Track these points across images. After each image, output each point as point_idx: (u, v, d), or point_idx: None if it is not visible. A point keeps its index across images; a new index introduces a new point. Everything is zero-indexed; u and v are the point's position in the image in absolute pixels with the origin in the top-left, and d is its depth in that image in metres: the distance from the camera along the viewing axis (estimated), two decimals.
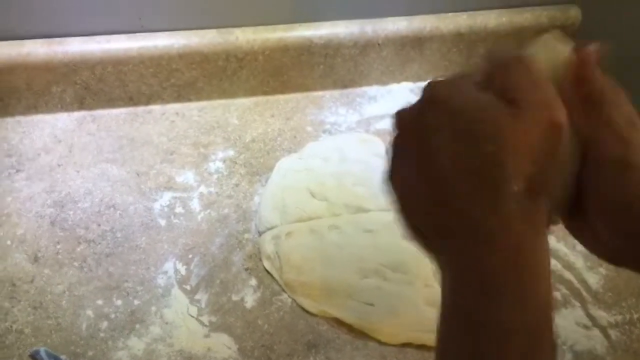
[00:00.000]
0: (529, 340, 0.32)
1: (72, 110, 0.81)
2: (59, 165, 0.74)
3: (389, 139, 0.37)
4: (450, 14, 0.85)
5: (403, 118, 0.36)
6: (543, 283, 0.32)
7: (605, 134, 0.35)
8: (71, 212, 0.70)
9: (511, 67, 0.34)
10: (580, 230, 0.38)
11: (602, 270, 0.68)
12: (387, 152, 0.37)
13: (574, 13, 0.89)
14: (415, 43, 0.86)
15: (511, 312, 0.32)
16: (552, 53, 0.37)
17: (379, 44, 0.84)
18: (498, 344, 0.32)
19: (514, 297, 0.32)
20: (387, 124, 0.82)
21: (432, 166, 0.34)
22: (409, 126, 0.36)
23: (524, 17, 0.87)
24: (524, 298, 0.32)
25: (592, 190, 0.35)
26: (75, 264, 0.65)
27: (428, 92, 0.35)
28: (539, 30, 0.88)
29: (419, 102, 0.36)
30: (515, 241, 0.32)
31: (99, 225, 0.69)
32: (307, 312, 0.63)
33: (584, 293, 0.66)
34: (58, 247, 0.67)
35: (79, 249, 0.66)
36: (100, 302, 0.62)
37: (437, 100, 0.35)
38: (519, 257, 0.32)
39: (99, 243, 0.67)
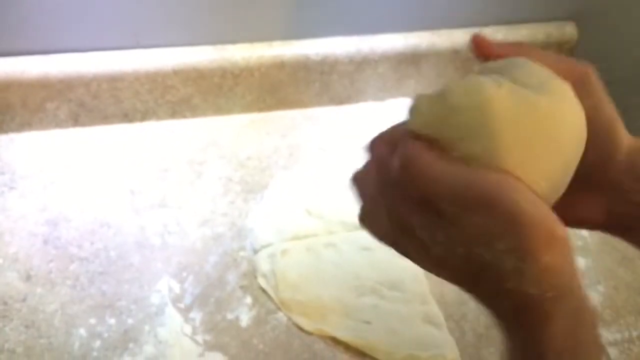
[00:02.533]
0: None
1: (67, 127, 0.80)
2: (52, 183, 0.74)
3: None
4: (446, 30, 0.86)
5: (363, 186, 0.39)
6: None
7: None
8: (64, 231, 0.69)
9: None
10: (569, 205, 0.37)
11: (601, 288, 0.67)
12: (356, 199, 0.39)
13: (570, 30, 0.89)
14: (412, 59, 0.86)
15: None
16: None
17: (375, 61, 0.84)
18: None
19: None
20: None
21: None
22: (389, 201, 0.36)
23: (520, 33, 0.87)
24: None
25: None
26: (68, 282, 0.64)
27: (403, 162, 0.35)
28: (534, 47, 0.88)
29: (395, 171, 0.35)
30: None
31: (92, 243, 0.68)
32: (303, 330, 0.62)
33: None
34: (51, 265, 0.66)
35: (71, 268, 0.66)
36: (93, 321, 0.62)
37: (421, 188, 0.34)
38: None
39: (92, 261, 0.66)
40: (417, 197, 0.33)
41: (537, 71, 0.36)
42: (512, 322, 0.33)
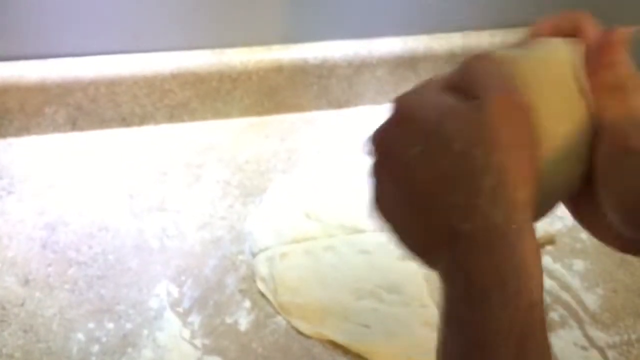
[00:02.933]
0: (518, 340, 0.31)
1: (65, 131, 0.80)
2: (50, 187, 0.74)
3: (368, 164, 0.37)
4: (443, 34, 0.86)
5: (376, 140, 0.36)
6: (529, 281, 0.31)
7: (627, 123, 0.33)
8: (62, 235, 0.69)
9: (472, 65, 0.34)
10: (589, 219, 0.37)
11: (599, 290, 0.67)
12: (368, 177, 0.37)
13: None
14: (410, 63, 0.86)
15: (497, 312, 0.31)
16: (552, 49, 0.37)
17: (373, 64, 0.85)
18: (485, 345, 0.31)
19: (498, 298, 0.31)
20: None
21: (410, 181, 0.33)
22: (383, 147, 0.36)
23: (517, 36, 0.87)
24: (508, 297, 0.31)
25: (608, 180, 0.34)
26: (67, 286, 0.64)
27: (395, 107, 0.35)
28: None
29: (388, 120, 0.35)
30: (495, 239, 0.31)
31: (91, 247, 0.68)
32: (302, 334, 0.62)
33: (582, 314, 0.65)
34: (49, 269, 0.66)
35: (70, 272, 0.66)
36: (91, 325, 0.61)
37: (404, 114, 0.34)
38: (500, 256, 0.31)
39: (91, 265, 0.66)
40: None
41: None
42: (471, 248, 0.32)
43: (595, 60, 0.35)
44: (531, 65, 0.35)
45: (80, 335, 0.60)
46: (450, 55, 0.86)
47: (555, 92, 0.35)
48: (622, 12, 0.89)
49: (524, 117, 0.32)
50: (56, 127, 0.80)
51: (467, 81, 0.34)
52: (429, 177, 0.32)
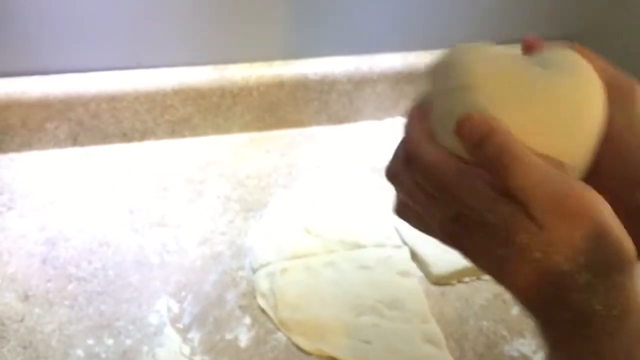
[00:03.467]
0: None
1: (66, 146, 0.81)
2: (51, 203, 0.74)
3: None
4: (443, 50, 0.86)
5: (396, 178, 0.37)
6: None
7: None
8: (63, 250, 0.69)
9: (494, 152, 0.33)
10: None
11: None
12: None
13: None
14: (410, 79, 0.86)
15: None
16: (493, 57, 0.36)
17: (373, 80, 0.85)
18: None
19: None
20: (383, 160, 0.82)
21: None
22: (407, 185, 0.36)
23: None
24: None
25: (610, 168, 0.36)
26: (66, 302, 0.64)
27: (414, 158, 0.36)
28: None
29: (406, 163, 0.36)
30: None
31: (91, 263, 0.68)
32: (302, 350, 0.62)
33: None
34: (49, 285, 0.65)
35: (70, 287, 0.65)
36: (91, 341, 0.61)
37: (430, 175, 0.35)
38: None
39: (91, 281, 0.66)
40: (504, 188, 0.33)
41: (568, 56, 0.36)
42: (569, 334, 0.33)
43: None
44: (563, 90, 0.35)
45: (80, 352, 0.60)
46: None
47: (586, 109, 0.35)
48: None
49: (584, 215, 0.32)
50: (57, 143, 0.80)
51: (502, 178, 0.33)
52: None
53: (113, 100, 0.78)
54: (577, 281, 0.32)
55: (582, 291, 0.32)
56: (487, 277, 0.40)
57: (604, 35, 0.91)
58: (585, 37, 0.89)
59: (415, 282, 0.67)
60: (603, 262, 0.31)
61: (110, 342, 0.61)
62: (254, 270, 0.68)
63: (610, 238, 0.32)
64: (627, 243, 0.32)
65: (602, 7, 0.87)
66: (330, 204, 0.74)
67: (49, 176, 0.77)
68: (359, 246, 0.69)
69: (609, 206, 0.32)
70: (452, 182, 0.34)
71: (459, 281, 0.68)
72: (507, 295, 0.41)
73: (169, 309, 0.64)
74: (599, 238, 0.31)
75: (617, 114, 0.36)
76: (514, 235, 0.32)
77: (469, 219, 0.34)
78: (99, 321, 0.63)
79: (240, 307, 0.65)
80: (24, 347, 0.60)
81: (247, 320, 0.64)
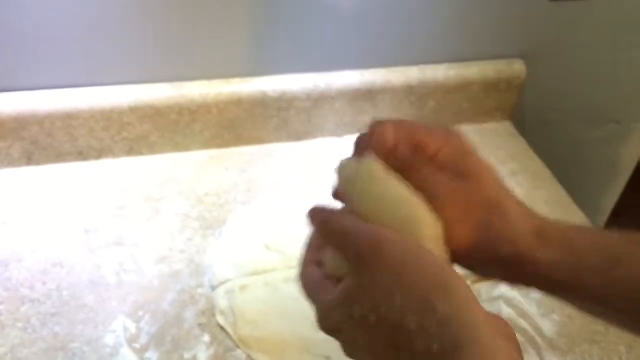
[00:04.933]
0: None
1: (19, 165, 0.79)
2: (3, 223, 0.72)
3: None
4: (400, 67, 0.88)
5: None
6: None
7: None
8: (15, 271, 0.67)
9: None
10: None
11: (555, 316, 0.68)
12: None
13: (518, 67, 0.92)
14: (368, 95, 0.87)
15: None
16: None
17: (332, 97, 0.86)
18: None
19: None
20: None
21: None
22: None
23: (471, 70, 0.90)
24: None
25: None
26: (19, 324, 0.62)
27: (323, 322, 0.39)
28: (485, 83, 0.91)
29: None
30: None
31: (44, 283, 0.66)
32: None
33: (539, 340, 0.66)
34: (0, 307, 0.64)
35: (22, 309, 0.64)
36: None
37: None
38: None
39: (44, 302, 0.64)
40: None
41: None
42: None
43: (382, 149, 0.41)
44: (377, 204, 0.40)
45: None
46: (407, 87, 0.88)
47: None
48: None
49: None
50: (11, 162, 0.79)
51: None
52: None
53: (68, 118, 0.77)
54: (410, 328, 0.32)
55: (418, 336, 0.32)
56: None
57: (555, 52, 0.94)
58: (537, 54, 0.92)
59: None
60: (421, 297, 0.32)
61: None
62: (213, 288, 0.67)
63: (416, 266, 0.34)
64: (444, 272, 0.34)
65: (552, 26, 0.90)
66: (289, 220, 0.74)
67: (1, 196, 0.75)
68: None
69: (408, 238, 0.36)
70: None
71: None
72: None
73: (126, 329, 0.63)
74: (404, 271, 0.34)
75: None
76: (352, 309, 0.35)
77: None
78: (53, 343, 0.61)
79: (199, 325, 0.64)
80: None
81: (206, 338, 0.63)
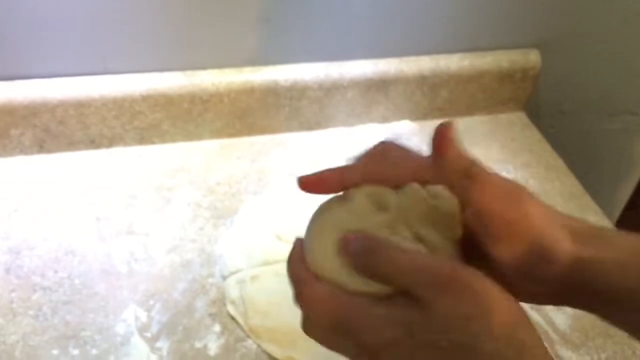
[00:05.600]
0: None
1: (32, 153, 0.79)
2: (15, 211, 0.72)
3: None
4: (413, 57, 0.87)
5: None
6: None
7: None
8: (27, 259, 0.67)
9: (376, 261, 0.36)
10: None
11: (569, 310, 0.68)
12: None
13: (534, 57, 0.91)
14: (380, 85, 0.86)
15: None
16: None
17: (344, 87, 0.85)
18: None
19: None
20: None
21: None
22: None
23: (485, 60, 0.89)
24: None
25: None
26: (30, 312, 0.63)
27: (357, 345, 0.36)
28: (500, 73, 0.90)
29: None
30: None
31: (56, 272, 0.66)
32: (272, 358, 0.61)
33: (552, 334, 0.65)
34: (12, 295, 0.64)
35: (34, 297, 0.64)
36: (55, 352, 0.60)
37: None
38: None
39: (56, 290, 0.65)
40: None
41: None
42: None
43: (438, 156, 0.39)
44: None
45: None
46: (420, 78, 0.87)
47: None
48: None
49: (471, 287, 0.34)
50: (23, 150, 0.79)
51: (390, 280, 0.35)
52: None
53: (80, 106, 0.77)
54: (485, 352, 0.32)
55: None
56: None
57: (570, 42, 0.92)
58: (553, 44, 0.91)
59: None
60: (494, 324, 0.32)
61: (75, 352, 0.60)
62: (224, 278, 0.67)
63: (490, 298, 0.33)
64: (511, 302, 0.34)
65: (568, 16, 0.89)
66: (300, 210, 0.74)
67: (13, 184, 0.76)
68: None
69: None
70: (346, 315, 0.36)
71: None
72: None
73: (137, 318, 0.63)
74: (483, 301, 0.33)
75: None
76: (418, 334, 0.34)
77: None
78: (64, 331, 0.61)
79: (210, 314, 0.64)
80: None
81: (217, 328, 0.63)
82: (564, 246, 0.38)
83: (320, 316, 0.37)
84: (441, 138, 0.39)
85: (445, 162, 0.39)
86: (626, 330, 0.41)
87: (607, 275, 0.38)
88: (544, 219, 0.38)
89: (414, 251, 0.37)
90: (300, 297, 0.39)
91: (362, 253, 0.37)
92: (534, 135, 0.92)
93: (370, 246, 0.37)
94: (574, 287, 0.38)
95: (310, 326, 0.39)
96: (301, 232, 0.72)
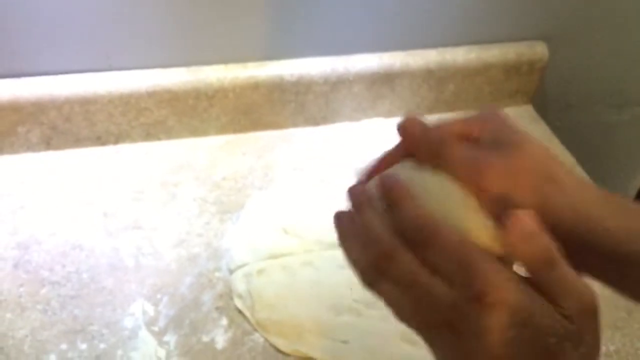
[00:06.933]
0: None
1: (38, 150, 0.79)
2: (22, 207, 0.73)
3: None
4: (419, 50, 0.86)
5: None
6: None
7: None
8: (35, 254, 0.67)
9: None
10: None
11: None
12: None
13: (540, 49, 0.90)
14: (386, 79, 0.86)
15: None
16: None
17: (350, 81, 0.85)
18: None
19: None
20: (360, 161, 0.82)
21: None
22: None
23: (492, 53, 0.88)
24: None
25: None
26: (39, 307, 0.63)
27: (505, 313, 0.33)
28: (506, 66, 0.89)
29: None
30: None
31: (64, 266, 0.67)
32: (280, 351, 0.61)
33: None
34: (21, 290, 0.64)
35: (42, 292, 0.64)
36: (64, 346, 0.60)
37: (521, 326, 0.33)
38: None
39: (64, 285, 0.65)
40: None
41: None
42: None
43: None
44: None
45: (53, 357, 0.59)
46: (427, 71, 0.87)
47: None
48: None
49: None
50: (30, 147, 0.79)
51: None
52: None
53: (86, 103, 0.77)
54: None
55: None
56: None
57: (578, 34, 0.92)
58: (560, 36, 0.90)
59: None
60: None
61: (83, 346, 0.60)
62: (231, 272, 0.67)
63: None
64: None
65: (575, 8, 0.88)
66: (306, 204, 0.74)
67: (21, 180, 0.76)
68: (336, 246, 0.68)
69: None
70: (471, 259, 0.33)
71: None
72: None
73: (144, 312, 0.63)
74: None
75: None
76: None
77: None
78: (73, 326, 0.62)
79: (217, 308, 0.64)
80: None
81: (224, 321, 0.63)
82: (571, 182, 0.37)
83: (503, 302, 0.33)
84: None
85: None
86: (632, 298, 0.40)
87: (613, 238, 0.37)
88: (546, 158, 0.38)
89: None
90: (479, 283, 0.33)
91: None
92: (542, 128, 0.92)
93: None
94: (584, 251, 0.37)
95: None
96: (307, 226, 0.72)
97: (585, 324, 0.33)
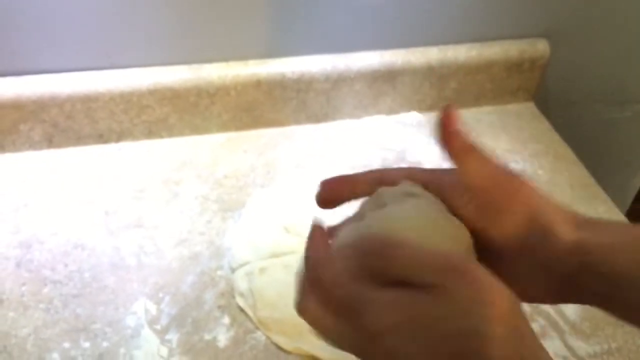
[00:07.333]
0: None
1: (41, 148, 0.79)
2: (25, 206, 0.73)
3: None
4: (421, 48, 0.86)
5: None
6: None
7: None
8: (37, 253, 0.68)
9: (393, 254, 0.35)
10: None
11: None
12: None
13: (542, 47, 0.90)
14: (387, 77, 0.86)
15: None
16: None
17: (351, 78, 0.85)
18: None
19: None
20: (361, 159, 0.82)
21: None
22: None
23: (494, 50, 0.88)
24: None
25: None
26: (41, 306, 0.63)
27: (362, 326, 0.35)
28: (508, 63, 0.89)
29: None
30: None
31: (66, 265, 0.67)
32: (281, 349, 0.61)
33: (562, 324, 0.65)
34: (23, 289, 0.64)
35: (45, 291, 0.64)
36: (67, 345, 0.60)
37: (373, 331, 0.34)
38: None
39: (66, 284, 0.65)
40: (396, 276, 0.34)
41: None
42: None
43: (445, 132, 0.40)
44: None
45: (56, 355, 0.59)
46: (428, 69, 0.87)
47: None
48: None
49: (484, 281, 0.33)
50: (32, 145, 0.79)
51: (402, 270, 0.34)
52: None
53: (88, 101, 0.77)
54: (491, 335, 0.32)
55: (495, 345, 0.31)
56: None
57: (579, 31, 0.92)
58: (561, 34, 0.90)
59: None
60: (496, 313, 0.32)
61: (86, 345, 0.60)
62: (233, 270, 0.67)
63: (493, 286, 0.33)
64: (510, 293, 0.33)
65: (577, 5, 0.88)
66: (308, 203, 0.73)
67: (23, 178, 0.76)
68: None
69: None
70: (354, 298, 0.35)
71: None
72: None
73: (147, 311, 0.63)
74: (489, 288, 0.33)
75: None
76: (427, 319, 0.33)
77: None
78: (75, 324, 0.62)
79: (219, 307, 0.64)
80: None
81: (226, 320, 0.63)
82: (565, 228, 0.38)
83: (328, 296, 0.36)
84: (445, 130, 0.40)
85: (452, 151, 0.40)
86: (633, 324, 0.40)
87: (612, 260, 0.37)
88: (541, 199, 0.39)
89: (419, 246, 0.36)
90: (313, 275, 0.38)
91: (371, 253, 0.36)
92: (543, 125, 0.92)
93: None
94: (576, 274, 0.38)
95: (307, 305, 0.38)
96: (308, 225, 0.71)
97: (448, 283, 0.33)
